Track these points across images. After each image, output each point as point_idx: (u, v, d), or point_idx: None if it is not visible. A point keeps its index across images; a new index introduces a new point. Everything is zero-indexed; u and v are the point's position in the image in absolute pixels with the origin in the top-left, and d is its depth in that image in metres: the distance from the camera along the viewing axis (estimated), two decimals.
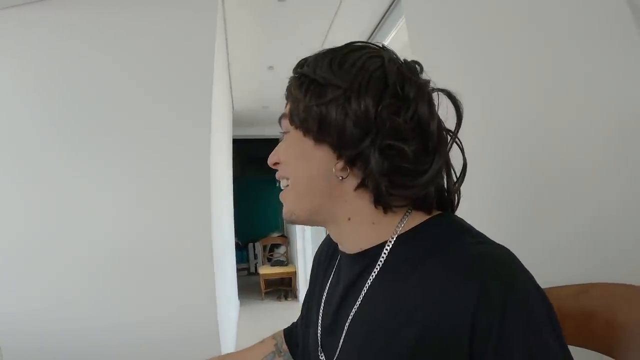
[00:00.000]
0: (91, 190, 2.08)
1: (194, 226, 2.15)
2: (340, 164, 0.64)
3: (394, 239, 0.63)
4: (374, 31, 3.07)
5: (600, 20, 0.82)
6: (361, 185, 0.64)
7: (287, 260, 6.76)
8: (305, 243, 5.96)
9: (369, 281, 0.64)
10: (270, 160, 0.73)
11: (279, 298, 6.24)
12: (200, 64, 2.24)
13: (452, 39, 1.37)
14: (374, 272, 0.63)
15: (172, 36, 2.23)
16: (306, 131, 0.65)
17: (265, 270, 6.47)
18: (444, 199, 0.67)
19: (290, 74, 0.70)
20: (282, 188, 0.71)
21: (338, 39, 0.77)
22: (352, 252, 0.68)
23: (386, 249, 0.63)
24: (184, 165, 2.16)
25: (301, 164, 0.67)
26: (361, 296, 0.64)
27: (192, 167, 2.18)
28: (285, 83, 0.71)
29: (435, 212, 0.65)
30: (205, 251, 2.15)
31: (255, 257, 7.89)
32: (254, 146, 6.32)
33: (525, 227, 0.98)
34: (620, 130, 0.79)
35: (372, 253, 0.64)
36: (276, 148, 0.72)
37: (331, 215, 0.67)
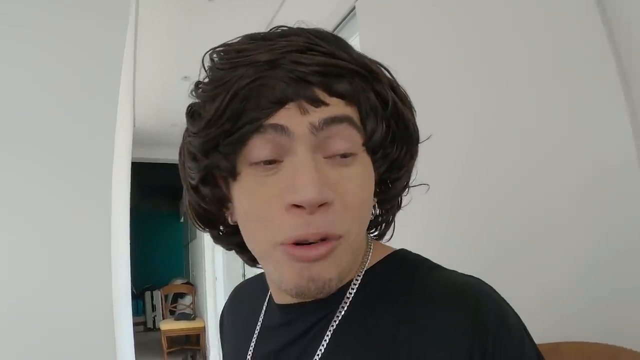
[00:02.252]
0: None
1: (90, 273, 2.01)
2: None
3: (362, 275, 0.61)
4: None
5: (582, 67, 0.94)
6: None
7: (195, 313, 6.63)
8: (216, 291, 5.91)
9: (330, 329, 0.59)
10: (324, 197, 0.51)
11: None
12: (105, 79, 2.14)
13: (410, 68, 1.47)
14: (337, 319, 0.59)
15: (70, 40, 2.11)
16: (384, 157, 0.59)
17: (168, 325, 6.20)
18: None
19: None
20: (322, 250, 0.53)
21: None
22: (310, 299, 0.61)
23: (352, 288, 0.60)
24: (79, 202, 2.03)
25: (370, 203, 0.60)
26: (320, 350, 0.59)
27: (89, 203, 2.05)
28: None
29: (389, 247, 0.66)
30: (104, 305, 2.01)
31: (154, 308, 7.63)
32: (154, 172, 6.06)
33: (491, 280, 1.11)
34: (593, 182, 0.92)
35: (336, 295, 0.59)
36: (314, 175, 0.51)
37: None
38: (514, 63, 1.08)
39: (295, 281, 0.54)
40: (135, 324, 6.60)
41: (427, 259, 0.63)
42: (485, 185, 1.16)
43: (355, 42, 2.55)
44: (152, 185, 6.52)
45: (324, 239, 0.53)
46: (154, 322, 7.63)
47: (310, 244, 0.52)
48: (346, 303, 0.60)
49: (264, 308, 0.72)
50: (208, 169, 0.58)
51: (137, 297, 7.65)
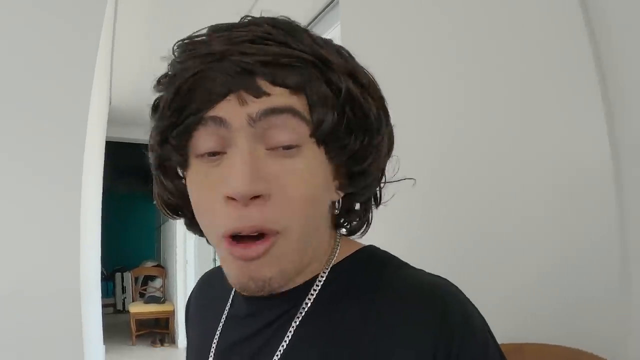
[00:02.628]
0: None
1: (56, 253, 1.96)
2: (337, 183, 0.60)
3: (328, 270, 0.61)
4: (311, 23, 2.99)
5: (563, 68, 0.95)
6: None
7: (164, 297, 6.60)
8: (187, 275, 5.90)
9: (293, 325, 0.59)
10: (254, 190, 0.50)
11: (153, 343, 5.98)
12: (82, 48, 2.04)
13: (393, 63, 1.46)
14: (300, 314, 0.59)
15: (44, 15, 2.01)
16: (341, 148, 0.56)
17: (137, 308, 6.20)
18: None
19: None
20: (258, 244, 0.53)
21: None
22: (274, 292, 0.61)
23: (318, 284, 0.60)
24: (49, 180, 1.96)
25: (319, 198, 0.57)
26: (283, 345, 0.59)
27: (58, 182, 1.98)
28: None
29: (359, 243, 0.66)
30: (71, 285, 1.98)
31: (124, 290, 7.55)
32: (127, 152, 5.92)
33: (460, 279, 1.12)
34: (568, 184, 0.93)
35: (300, 290, 0.60)
36: (245, 167, 0.50)
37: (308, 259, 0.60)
38: (495, 63, 1.08)
39: (238, 278, 0.56)
40: (104, 306, 6.54)
41: (394, 256, 0.63)
42: (458, 185, 1.16)
43: (336, 31, 2.54)
44: (126, 165, 6.38)
45: (261, 235, 0.52)
46: (123, 304, 7.55)
47: (247, 239, 0.52)
48: (310, 299, 0.60)
49: (231, 297, 0.71)
50: (161, 161, 0.60)
51: (108, 279, 7.53)
